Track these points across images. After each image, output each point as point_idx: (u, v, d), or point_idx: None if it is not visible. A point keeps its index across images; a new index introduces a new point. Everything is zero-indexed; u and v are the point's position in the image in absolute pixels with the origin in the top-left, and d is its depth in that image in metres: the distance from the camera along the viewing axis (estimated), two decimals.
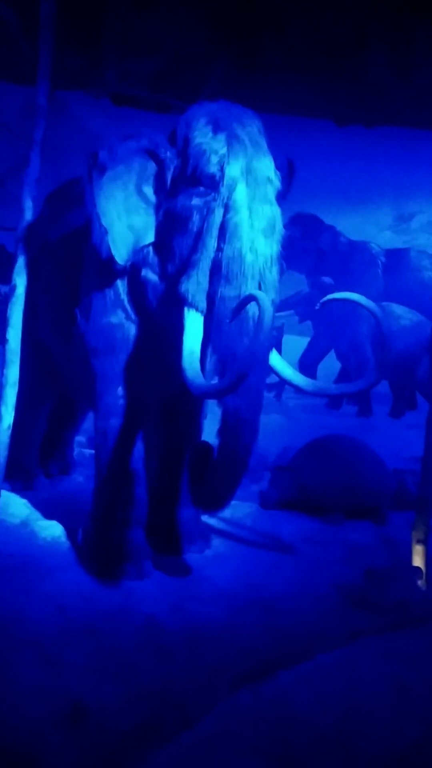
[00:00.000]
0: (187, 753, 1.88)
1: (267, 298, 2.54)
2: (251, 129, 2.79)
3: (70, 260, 3.46)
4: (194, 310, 2.75)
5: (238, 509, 3.99)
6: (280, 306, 7.03)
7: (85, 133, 7.91)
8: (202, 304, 2.74)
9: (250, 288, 2.64)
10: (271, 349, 2.76)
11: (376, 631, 2.69)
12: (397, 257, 7.88)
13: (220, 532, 3.63)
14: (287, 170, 3.08)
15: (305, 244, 7.56)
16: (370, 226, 10.02)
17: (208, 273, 2.71)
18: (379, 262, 7.78)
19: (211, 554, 3.36)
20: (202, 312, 2.75)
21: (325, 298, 3.15)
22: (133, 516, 3.13)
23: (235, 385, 2.54)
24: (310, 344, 7.87)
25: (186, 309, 2.76)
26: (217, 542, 3.49)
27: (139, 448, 3.14)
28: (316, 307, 3.16)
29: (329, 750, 1.94)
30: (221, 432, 2.71)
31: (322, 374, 7.58)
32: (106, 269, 3.04)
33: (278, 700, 2.17)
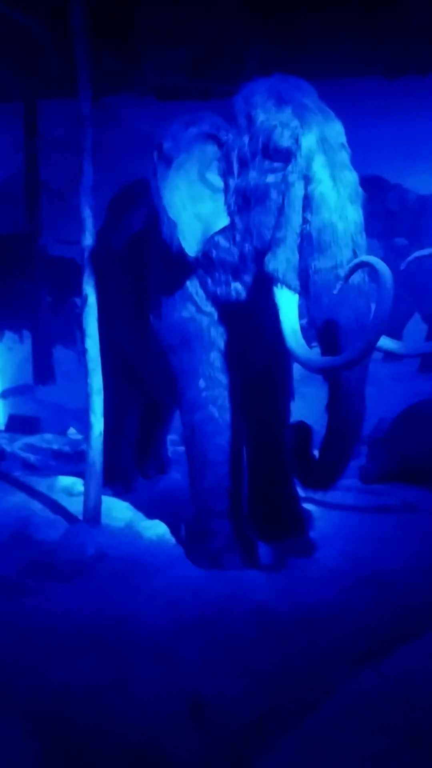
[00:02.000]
0: (312, 738, 1.84)
1: (382, 262, 2.46)
2: (314, 97, 2.75)
3: (136, 261, 3.49)
4: (287, 288, 2.69)
5: (339, 486, 3.90)
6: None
7: (135, 134, 7.98)
8: (295, 281, 2.68)
9: (345, 256, 2.58)
10: (364, 316, 2.65)
11: None
12: None
13: (323, 513, 3.57)
14: None
15: (372, 207, 7.30)
16: None
17: (296, 248, 2.66)
18: None
19: (317, 535, 3.31)
20: (295, 289, 2.69)
21: (411, 257, 3.01)
22: (232, 506, 3.11)
23: (362, 356, 2.50)
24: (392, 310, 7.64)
25: (277, 288, 2.71)
26: (321, 523, 3.44)
27: (228, 438, 3.12)
28: (402, 268, 3.03)
29: None
30: (331, 406, 2.68)
31: (408, 339, 7.34)
32: (175, 264, 3.02)
33: (401, 676, 2.10)
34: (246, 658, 2.28)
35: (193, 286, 3.09)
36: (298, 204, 2.64)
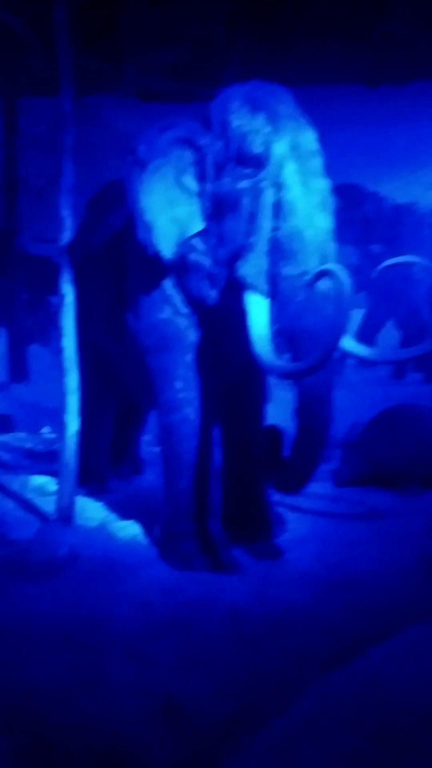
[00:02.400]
0: (283, 738, 1.86)
1: (343, 270, 2.50)
2: (289, 104, 2.76)
3: (115, 262, 3.49)
4: (257, 294, 2.72)
5: (312, 489, 3.94)
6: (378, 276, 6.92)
7: (116, 134, 7.97)
8: (264, 286, 2.71)
9: (313, 264, 2.60)
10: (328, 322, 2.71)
11: None
12: None
13: (296, 516, 3.60)
14: None
15: (349, 214, 7.40)
16: (416, 187, 9.70)
17: (266, 254, 2.69)
18: (429, 222, 7.55)
19: (289, 538, 3.34)
20: (264, 294, 2.72)
21: (383, 264, 3.07)
22: (205, 508, 3.13)
23: (322, 363, 2.53)
24: (366, 316, 7.73)
25: (247, 293, 2.73)
26: (293, 526, 3.46)
27: (203, 440, 3.13)
28: (373, 276, 3.10)
29: (425, 726, 1.88)
30: (299, 411, 2.71)
31: (381, 346, 7.43)
32: (152, 266, 3.04)
33: (371, 678, 2.13)
34: (218, 659, 2.30)
35: (170, 288, 3.10)
36: (268, 210, 2.67)
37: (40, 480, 4.27)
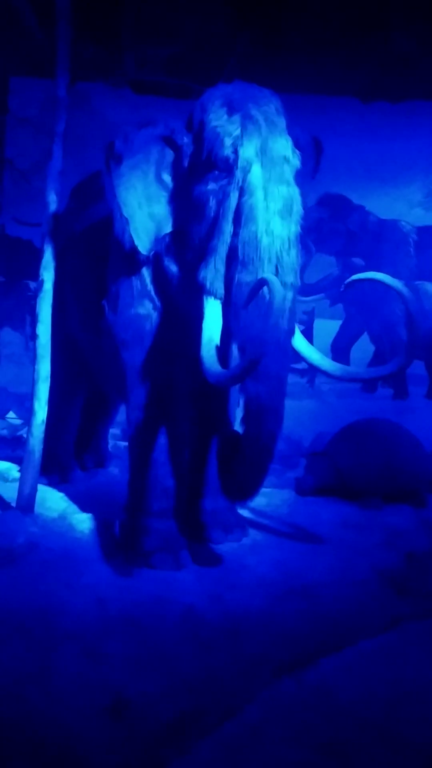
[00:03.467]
0: (229, 743, 1.87)
1: (277, 281, 2.48)
2: (268, 108, 2.72)
3: (96, 253, 3.46)
4: (213, 298, 2.71)
5: (275, 497, 3.96)
6: (311, 289, 6.96)
7: (107, 124, 7.91)
8: (221, 291, 2.70)
9: (267, 272, 2.58)
10: (290, 333, 2.69)
11: (419, 617, 2.65)
12: (429, 234, 7.71)
13: (257, 521, 3.61)
14: (314, 148, 3.02)
15: (334, 225, 7.45)
16: (401, 204, 9.82)
17: (225, 259, 2.67)
18: (411, 240, 7.62)
19: (249, 543, 3.34)
20: (220, 299, 2.71)
21: (349, 279, 3.08)
22: (169, 507, 3.12)
23: (246, 372, 2.51)
24: (342, 327, 7.78)
25: (205, 297, 2.73)
26: (254, 531, 3.47)
27: (171, 439, 3.12)
28: (341, 289, 3.09)
29: (373, 738, 1.90)
30: (244, 420, 2.67)
31: (355, 357, 7.49)
32: (131, 260, 3.02)
33: (321, 688, 2.14)
34: (170, 659, 2.29)
35: (150, 283, 3.09)
36: (230, 215, 2.64)
37: (2, 466, 4.22)
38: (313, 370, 6.78)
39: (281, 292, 2.46)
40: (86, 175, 4.06)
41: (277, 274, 2.58)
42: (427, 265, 7.51)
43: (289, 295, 2.61)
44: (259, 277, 2.57)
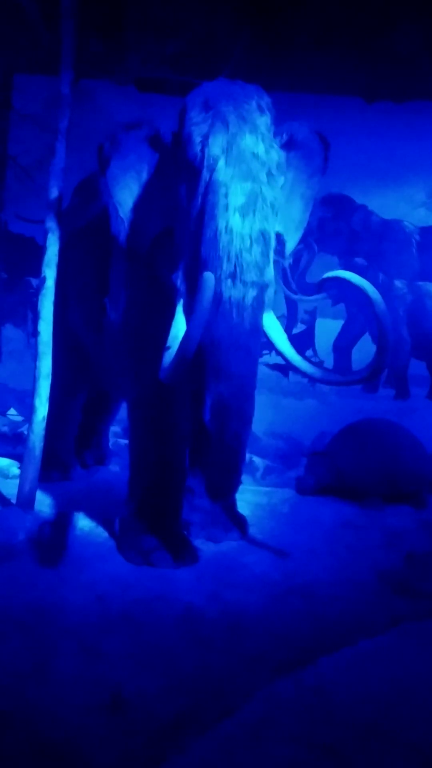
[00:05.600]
0: (227, 742, 1.87)
1: (211, 278, 2.47)
2: (247, 106, 2.67)
3: (98, 250, 3.46)
4: (182, 299, 2.71)
5: (275, 495, 3.96)
6: (313, 289, 6.96)
7: (111, 121, 7.91)
8: (183, 290, 2.71)
9: (225, 271, 2.56)
10: (254, 332, 2.66)
11: (417, 617, 2.65)
12: (431, 235, 7.71)
13: (257, 519, 3.61)
14: (320, 145, 3.01)
15: (337, 225, 7.45)
16: (403, 204, 9.81)
17: (191, 258, 2.66)
18: (414, 240, 7.62)
19: (249, 541, 3.34)
20: (182, 298, 2.72)
21: (324, 275, 3.06)
22: (170, 505, 3.12)
23: (172, 372, 2.53)
24: (344, 327, 7.77)
25: (177, 298, 2.73)
26: (254, 529, 3.46)
27: (173, 438, 3.12)
28: (314, 281, 3.05)
29: (371, 738, 1.90)
30: (209, 421, 2.65)
31: (357, 358, 7.49)
32: (130, 259, 3.03)
33: (319, 687, 2.14)
34: (169, 657, 2.29)
35: (147, 282, 3.09)
36: (197, 214, 2.63)
37: (2, 462, 4.22)
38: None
39: (209, 290, 2.45)
40: (89, 173, 4.06)
41: (235, 272, 2.56)
42: (429, 265, 7.50)
43: (251, 292, 2.58)
44: (218, 275, 2.55)
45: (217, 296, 2.57)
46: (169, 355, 2.66)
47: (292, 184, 2.98)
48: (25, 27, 4.90)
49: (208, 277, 2.48)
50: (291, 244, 3.10)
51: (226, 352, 2.58)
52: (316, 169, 3.02)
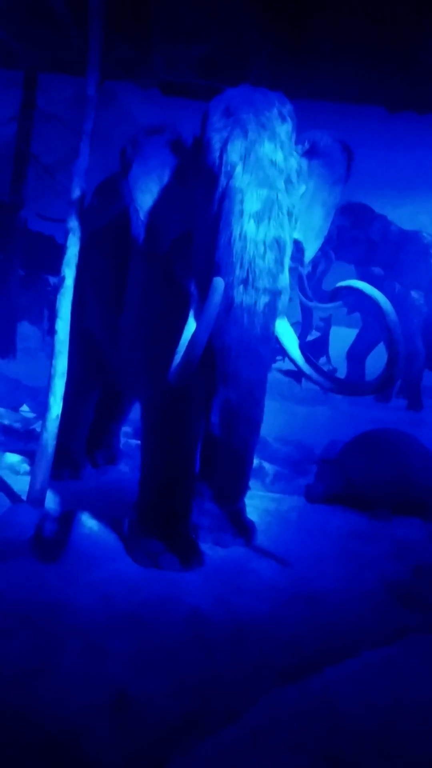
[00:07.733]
0: (230, 746, 1.87)
1: (221, 283, 2.49)
2: (267, 113, 2.68)
3: (117, 251, 3.48)
4: (196, 303, 2.73)
5: (284, 502, 3.96)
6: (328, 297, 6.96)
7: (133, 123, 7.95)
8: (204, 296, 2.70)
9: (238, 276, 2.57)
10: (265, 339, 2.66)
11: (425, 630, 2.63)
12: None
13: (265, 526, 3.60)
14: (343, 154, 3.01)
15: (355, 233, 7.43)
16: (423, 216, 9.78)
17: (206, 264, 2.67)
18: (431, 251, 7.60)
19: (257, 547, 3.34)
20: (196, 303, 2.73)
21: (338, 284, 3.06)
22: (180, 508, 3.12)
23: (178, 375, 2.54)
24: (358, 336, 7.76)
25: (191, 302, 2.75)
26: (262, 535, 3.46)
27: (186, 441, 3.12)
28: (327, 288, 3.06)
29: (374, 749, 1.90)
30: (218, 426, 2.66)
31: (371, 367, 7.47)
32: (149, 262, 3.04)
33: (324, 696, 2.14)
34: (175, 660, 2.29)
35: (165, 285, 3.10)
36: (214, 219, 2.64)
37: (13, 458, 4.24)
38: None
39: (217, 296, 2.47)
40: (110, 174, 4.09)
41: (248, 278, 2.57)
42: None
43: (263, 299, 2.59)
44: (230, 282, 2.57)
45: (229, 301, 2.59)
46: (177, 358, 2.66)
47: (314, 192, 2.98)
48: (52, 26, 4.94)
49: (218, 282, 2.50)
50: (310, 252, 3.09)
51: (236, 358, 2.58)
52: (339, 178, 3.02)
